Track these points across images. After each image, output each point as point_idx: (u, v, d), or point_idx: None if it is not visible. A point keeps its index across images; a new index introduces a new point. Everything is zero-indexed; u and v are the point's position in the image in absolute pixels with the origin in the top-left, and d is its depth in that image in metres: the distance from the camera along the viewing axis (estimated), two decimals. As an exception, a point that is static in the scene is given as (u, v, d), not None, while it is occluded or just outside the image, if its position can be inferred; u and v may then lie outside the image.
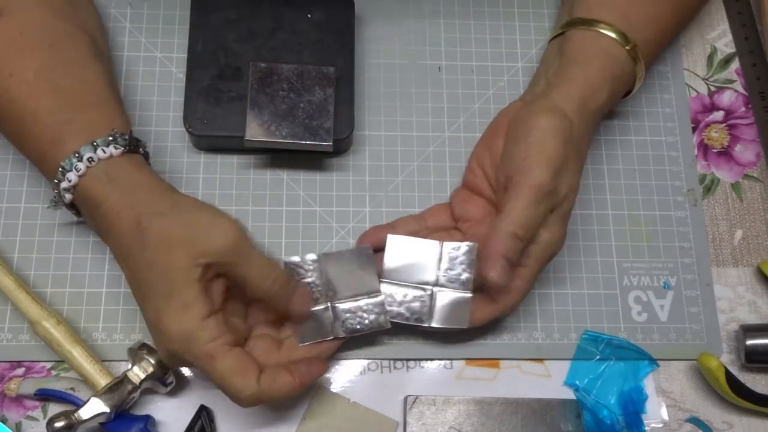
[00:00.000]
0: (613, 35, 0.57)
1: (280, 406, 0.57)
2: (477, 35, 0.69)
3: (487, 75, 0.67)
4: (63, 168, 0.51)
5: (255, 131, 0.59)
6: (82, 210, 0.54)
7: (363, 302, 0.55)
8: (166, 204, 0.51)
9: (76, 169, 0.51)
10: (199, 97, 0.61)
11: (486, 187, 0.58)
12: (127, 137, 0.53)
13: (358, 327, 0.55)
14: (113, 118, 0.54)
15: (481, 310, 0.55)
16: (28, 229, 0.60)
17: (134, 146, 0.54)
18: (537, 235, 0.54)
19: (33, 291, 0.57)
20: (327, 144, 0.59)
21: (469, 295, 0.55)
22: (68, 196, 0.52)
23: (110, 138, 0.52)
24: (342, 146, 0.63)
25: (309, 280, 0.55)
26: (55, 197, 0.54)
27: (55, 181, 0.52)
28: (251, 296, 0.52)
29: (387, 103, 0.66)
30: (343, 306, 0.55)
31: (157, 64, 0.65)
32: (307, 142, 0.59)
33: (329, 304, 0.55)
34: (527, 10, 0.70)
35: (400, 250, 0.56)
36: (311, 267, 0.55)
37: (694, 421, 0.59)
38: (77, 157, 0.51)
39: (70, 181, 0.51)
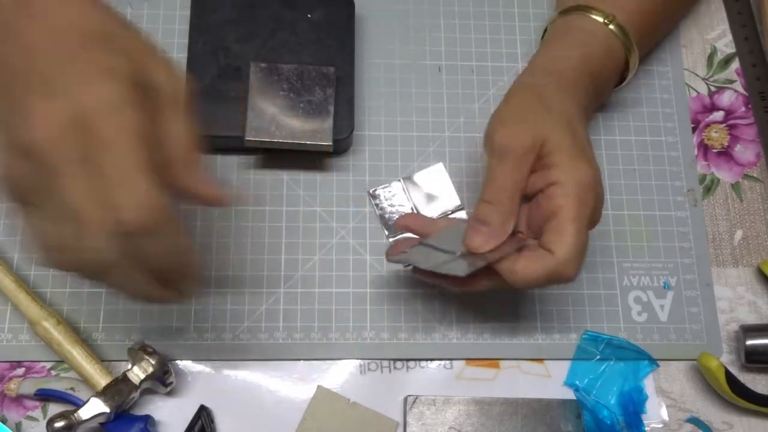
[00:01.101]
0: (597, 18, 0.58)
1: (280, 406, 0.57)
2: (477, 35, 0.69)
3: (487, 75, 0.67)
4: None
5: (255, 131, 0.59)
6: None
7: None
8: None
9: None
10: (199, 97, 0.61)
11: None
12: None
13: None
14: None
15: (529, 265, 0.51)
16: (28, 229, 0.60)
17: None
18: (549, 177, 0.51)
19: (33, 291, 0.57)
20: (327, 144, 0.59)
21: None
22: None
23: None
24: (342, 146, 0.63)
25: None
26: None
27: None
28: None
29: (387, 103, 0.66)
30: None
31: (157, 64, 0.65)
32: (307, 142, 0.59)
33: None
34: (527, 10, 0.70)
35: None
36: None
37: (694, 421, 0.59)
38: None
39: None
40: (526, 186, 0.52)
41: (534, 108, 0.53)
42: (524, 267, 0.50)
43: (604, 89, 0.60)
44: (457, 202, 0.63)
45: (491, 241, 0.51)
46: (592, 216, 0.52)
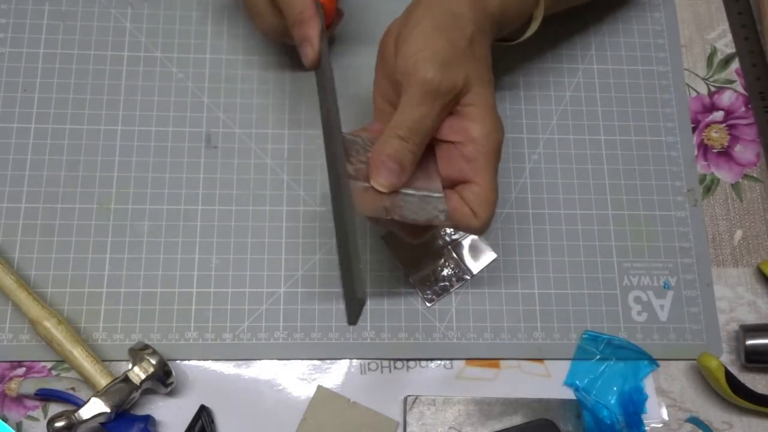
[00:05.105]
0: None
1: (280, 406, 0.57)
2: (477, 35, 0.69)
3: (487, 75, 0.67)
4: None
5: None
6: None
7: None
8: None
9: None
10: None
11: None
12: None
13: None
14: None
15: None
16: (28, 229, 0.60)
17: None
18: (469, 132, 0.51)
19: (34, 291, 0.57)
20: None
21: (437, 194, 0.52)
22: None
23: None
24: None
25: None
26: None
27: None
28: None
29: (387, 103, 0.66)
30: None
31: (157, 64, 0.65)
32: None
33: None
34: (527, 10, 0.70)
35: None
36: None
37: (694, 421, 0.59)
38: None
39: None
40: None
41: (462, 49, 0.51)
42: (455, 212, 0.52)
43: (504, 29, 0.57)
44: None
45: (398, 184, 0.51)
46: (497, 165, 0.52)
